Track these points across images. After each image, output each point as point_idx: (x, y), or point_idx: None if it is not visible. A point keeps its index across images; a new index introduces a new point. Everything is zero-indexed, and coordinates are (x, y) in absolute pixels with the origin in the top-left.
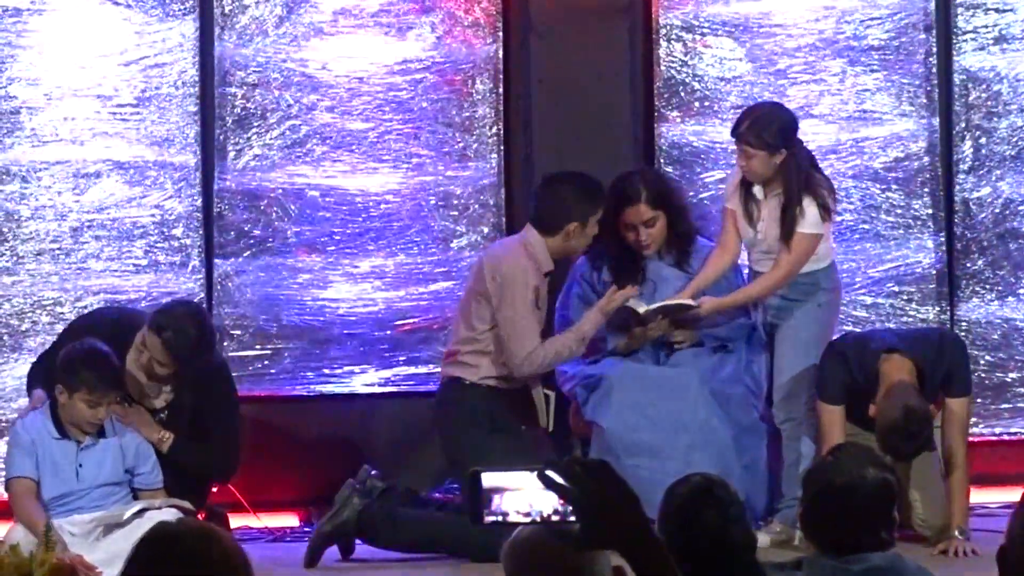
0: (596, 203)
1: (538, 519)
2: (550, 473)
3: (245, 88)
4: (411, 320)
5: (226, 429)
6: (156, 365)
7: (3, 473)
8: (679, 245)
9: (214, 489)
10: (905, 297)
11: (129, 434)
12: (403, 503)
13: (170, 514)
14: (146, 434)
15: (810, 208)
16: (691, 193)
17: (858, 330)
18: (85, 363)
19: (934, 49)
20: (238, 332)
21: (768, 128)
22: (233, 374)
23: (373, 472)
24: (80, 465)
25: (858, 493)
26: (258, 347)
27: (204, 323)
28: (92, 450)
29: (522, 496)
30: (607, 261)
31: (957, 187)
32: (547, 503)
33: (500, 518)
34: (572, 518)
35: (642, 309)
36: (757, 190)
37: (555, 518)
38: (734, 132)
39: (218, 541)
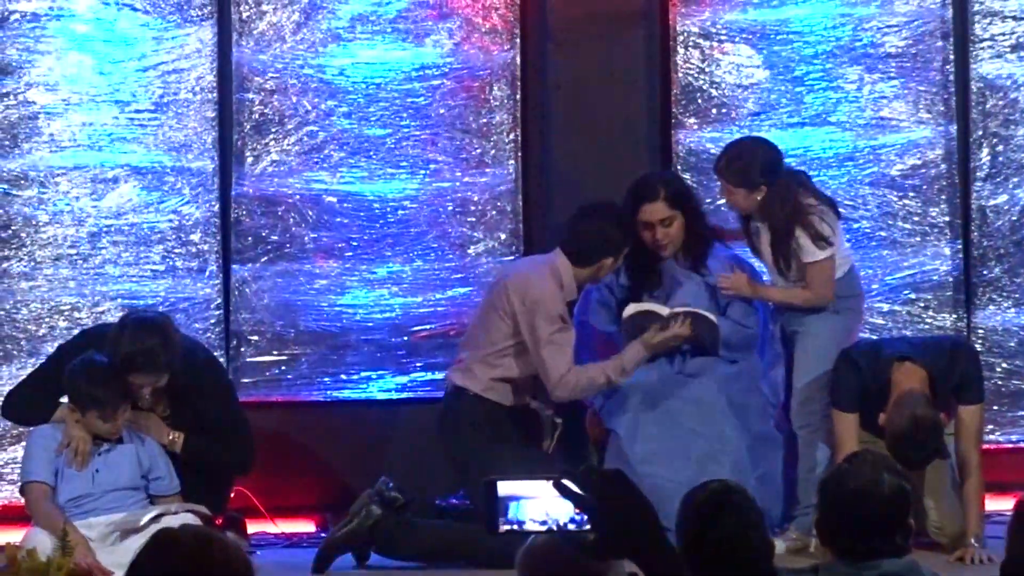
0: (629, 235)
1: (554, 528)
2: (566, 482)
3: (263, 94)
4: (428, 326)
5: (232, 420)
6: (152, 385)
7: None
8: (696, 249)
9: (232, 495)
10: (922, 304)
11: (147, 440)
12: (419, 515)
13: (187, 519)
14: (157, 437)
15: (803, 239)
16: (708, 200)
17: (874, 337)
18: (89, 381)
19: (951, 56)
20: (255, 338)
21: (748, 166)
22: (250, 380)
23: (391, 484)
24: (97, 470)
25: (873, 498)
26: (275, 353)
27: (152, 322)
28: (110, 455)
29: (538, 505)
30: (625, 263)
31: (974, 194)
32: (563, 512)
33: (516, 527)
34: (588, 527)
35: (665, 312)
36: (755, 223)
37: (571, 527)
38: (715, 168)
39: (220, 546)
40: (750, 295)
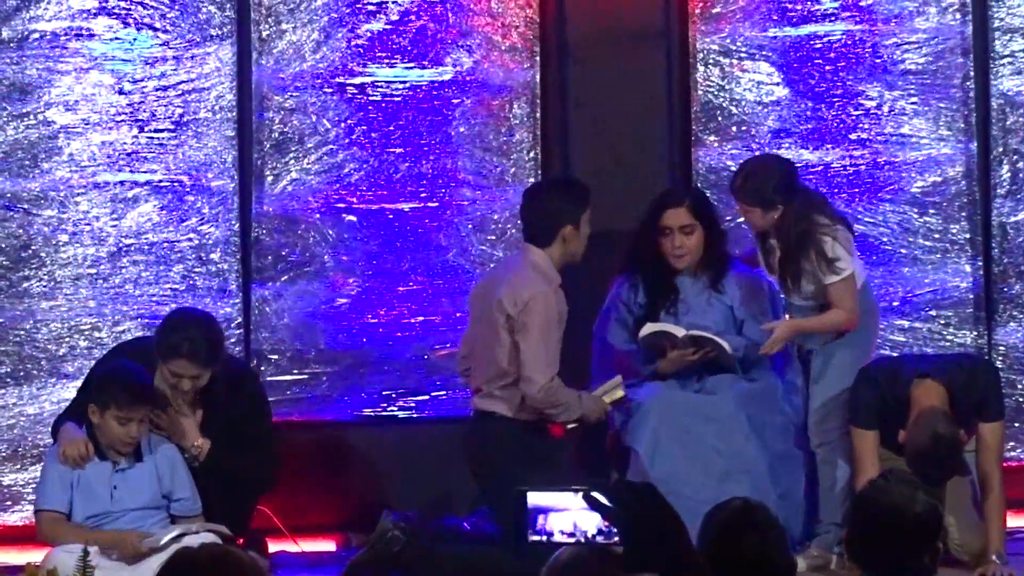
0: (582, 201)
1: (582, 539)
2: (596, 495)
3: (283, 113)
4: (449, 344)
5: (263, 436)
6: (191, 381)
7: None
8: (714, 267)
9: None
10: (942, 321)
11: (166, 457)
12: (437, 537)
13: (207, 539)
14: (185, 439)
15: (819, 261)
16: (727, 217)
17: (895, 354)
18: (114, 379)
19: (971, 73)
20: (275, 357)
21: (763, 185)
22: (271, 399)
23: (395, 516)
24: (115, 487)
25: (905, 516)
26: (295, 372)
27: (201, 316)
28: (127, 473)
29: (567, 516)
30: (643, 280)
31: (994, 211)
32: (591, 524)
33: (544, 538)
34: (616, 539)
35: (680, 333)
36: (772, 241)
37: (599, 538)
38: (731, 187)
39: (237, 565)
40: (792, 335)
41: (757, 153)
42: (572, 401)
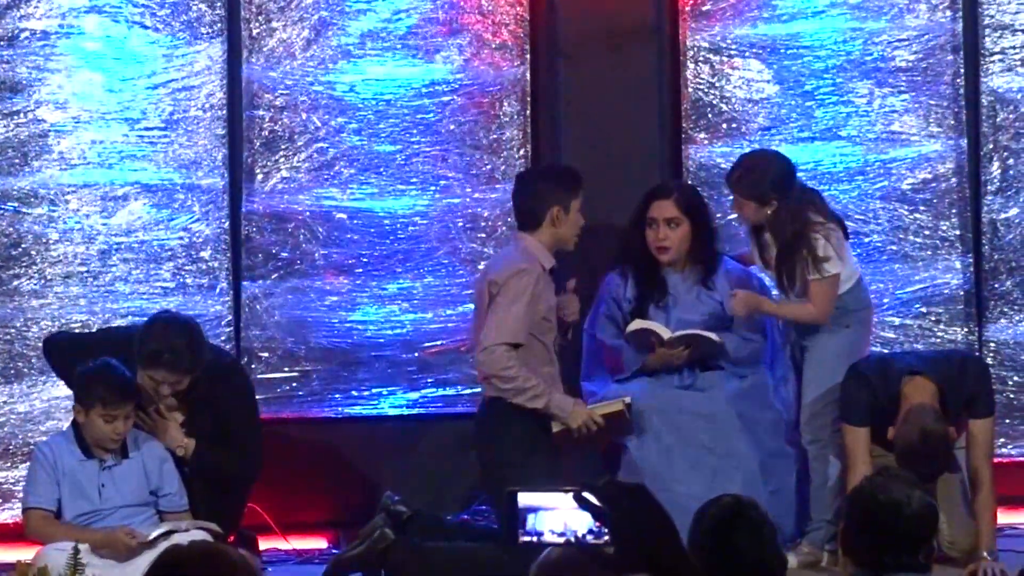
0: (571, 186)
1: (573, 539)
2: (586, 494)
3: (273, 111)
4: (439, 342)
5: (247, 430)
6: (171, 387)
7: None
8: (703, 263)
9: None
10: (933, 318)
11: (153, 453)
12: (428, 530)
13: (198, 536)
14: (170, 442)
15: (808, 259)
16: (718, 215)
17: (885, 351)
18: (97, 378)
19: (962, 70)
20: (266, 354)
21: (760, 179)
22: (261, 396)
23: (396, 498)
24: (103, 485)
25: (903, 513)
26: (286, 369)
27: (183, 323)
28: (115, 470)
29: (557, 516)
30: (632, 274)
31: (985, 208)
32: (582, 523)
33: (535, 538)
34: (607, 539)
35: (666, 335)
36: (767, 236)
37: (590, 538)
38: (727, 179)
39: (228, 562)
40: (757, 311)
41: (751, 149)
42: (532, 386)
